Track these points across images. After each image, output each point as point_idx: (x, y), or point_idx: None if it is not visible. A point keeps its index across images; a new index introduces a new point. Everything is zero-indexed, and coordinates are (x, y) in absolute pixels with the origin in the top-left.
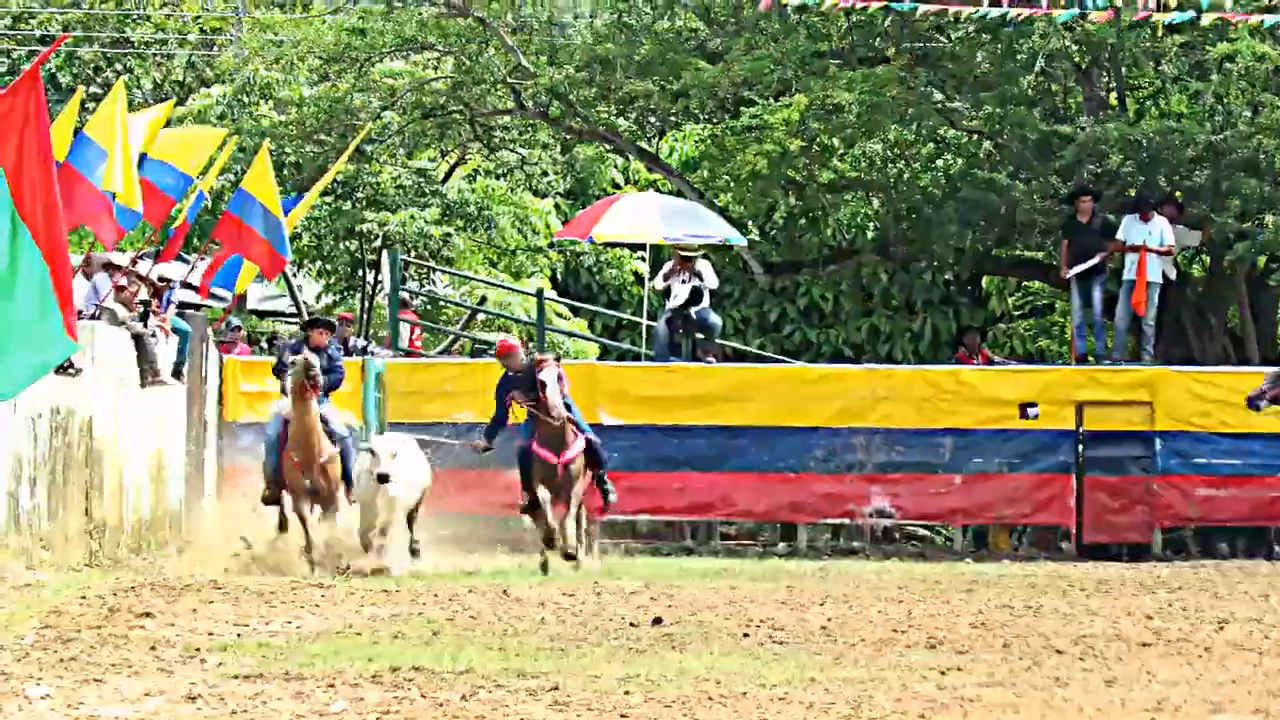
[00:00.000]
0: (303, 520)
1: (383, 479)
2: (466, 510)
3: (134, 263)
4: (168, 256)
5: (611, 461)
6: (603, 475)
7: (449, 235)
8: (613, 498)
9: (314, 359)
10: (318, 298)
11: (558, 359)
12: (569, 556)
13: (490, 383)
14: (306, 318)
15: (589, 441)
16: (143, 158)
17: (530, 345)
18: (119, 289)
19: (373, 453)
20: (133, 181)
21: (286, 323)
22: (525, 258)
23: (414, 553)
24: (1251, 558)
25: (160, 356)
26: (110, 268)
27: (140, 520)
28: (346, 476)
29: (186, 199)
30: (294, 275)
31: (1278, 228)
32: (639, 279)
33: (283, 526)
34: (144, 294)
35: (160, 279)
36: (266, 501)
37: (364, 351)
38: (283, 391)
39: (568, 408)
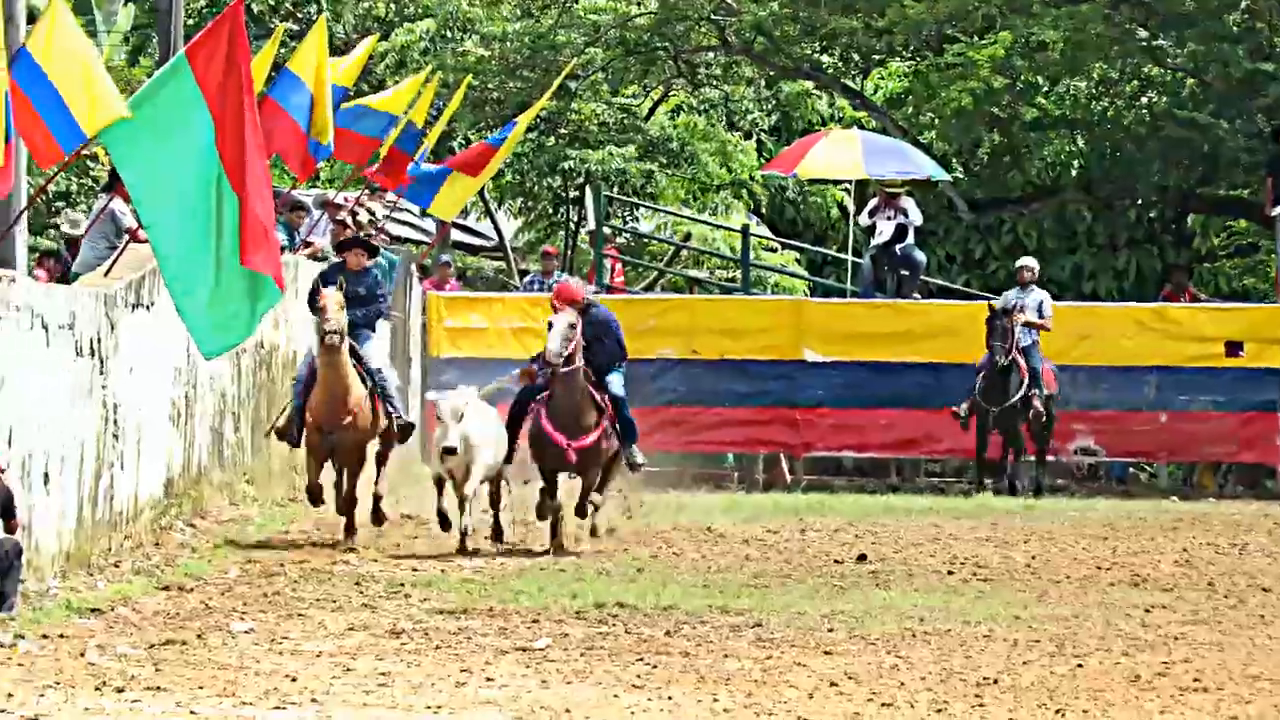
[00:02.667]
0: (313, 491)
1: (448, 452)
2: (666, 449)
3: (357, 203)
4: (390, 185)
5: (816, 397)
6: (631, 450)
7: (650, 172)
8: (639, 460)
9: (334, 313)
10: (517, 234)
11: (588, 306)
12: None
13: (696, 319)
14: (293, 201)
15: (618, 416)
16: (342, 105)
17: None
18: (339, 225)
19: (439, 418)
20: (326, 119)
21: (491, 258)
22: (728, 194)
23: (497, 535)
24: None
25: None
26: (329, 206)
27: None
28: (390, 415)
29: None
30: (496, 210)
31: None
32: (843, 210)
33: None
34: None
35: (374, 216)
36: (279, 435)
37: None
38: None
39: (601, 368)
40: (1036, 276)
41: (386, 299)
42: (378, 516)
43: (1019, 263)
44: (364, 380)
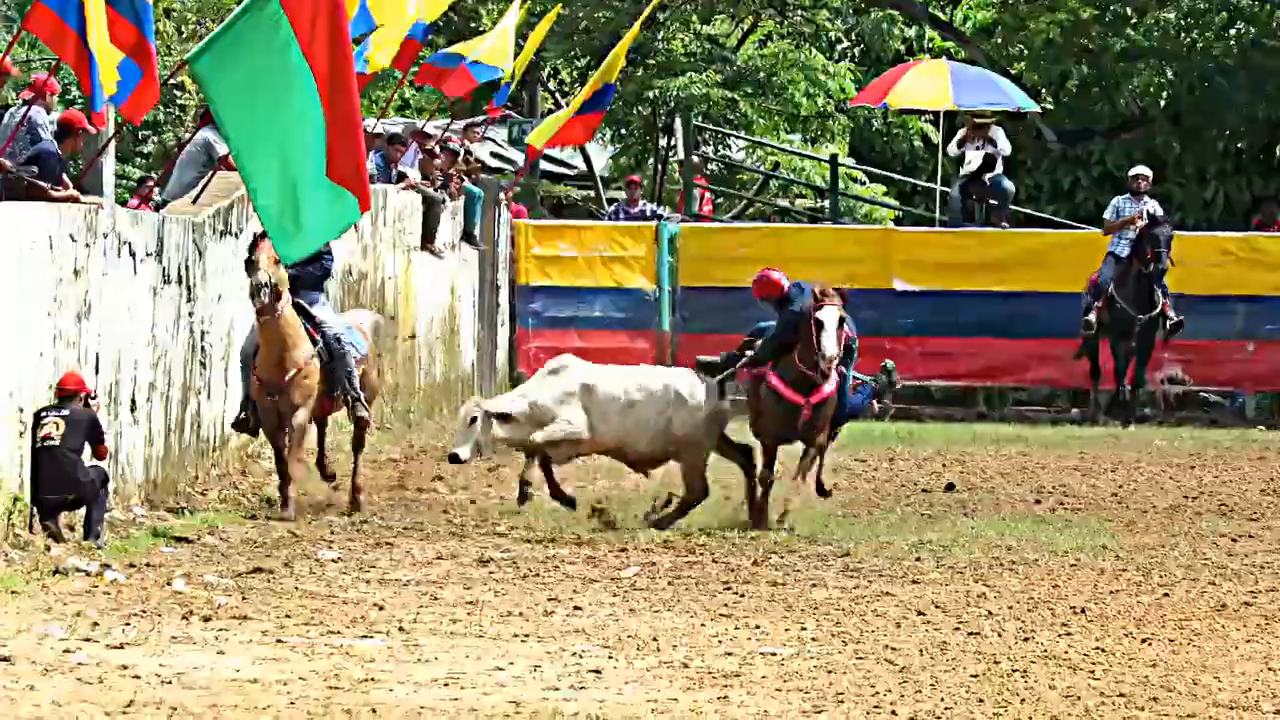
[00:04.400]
0: (277, 453)
1: (453, 460)
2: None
3: (444, 138)
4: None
5: (905, 326)
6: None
7: (734, 100)
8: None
9: (265, 266)
10: (611, 160)
11: (844, 299)
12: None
13: (784, 249)
14: (391, 135)
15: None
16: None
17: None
18: (429, 155)
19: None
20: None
21: (579, 187)
22: (818, 124)
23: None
24: None
25: (443, 226)
26: (418, 136)
27: (432, 384)
28: (340, 384)
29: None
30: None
31: None
32: (926, 142)
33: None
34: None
35: (476, 159)
36: (237, 427)
37: (655, 216)
38: None
39: (844, 359)
40: (1150, 185)
41: (332, 257)
42: (356, 502)
43: (1133, 171)
44: (314, 342)
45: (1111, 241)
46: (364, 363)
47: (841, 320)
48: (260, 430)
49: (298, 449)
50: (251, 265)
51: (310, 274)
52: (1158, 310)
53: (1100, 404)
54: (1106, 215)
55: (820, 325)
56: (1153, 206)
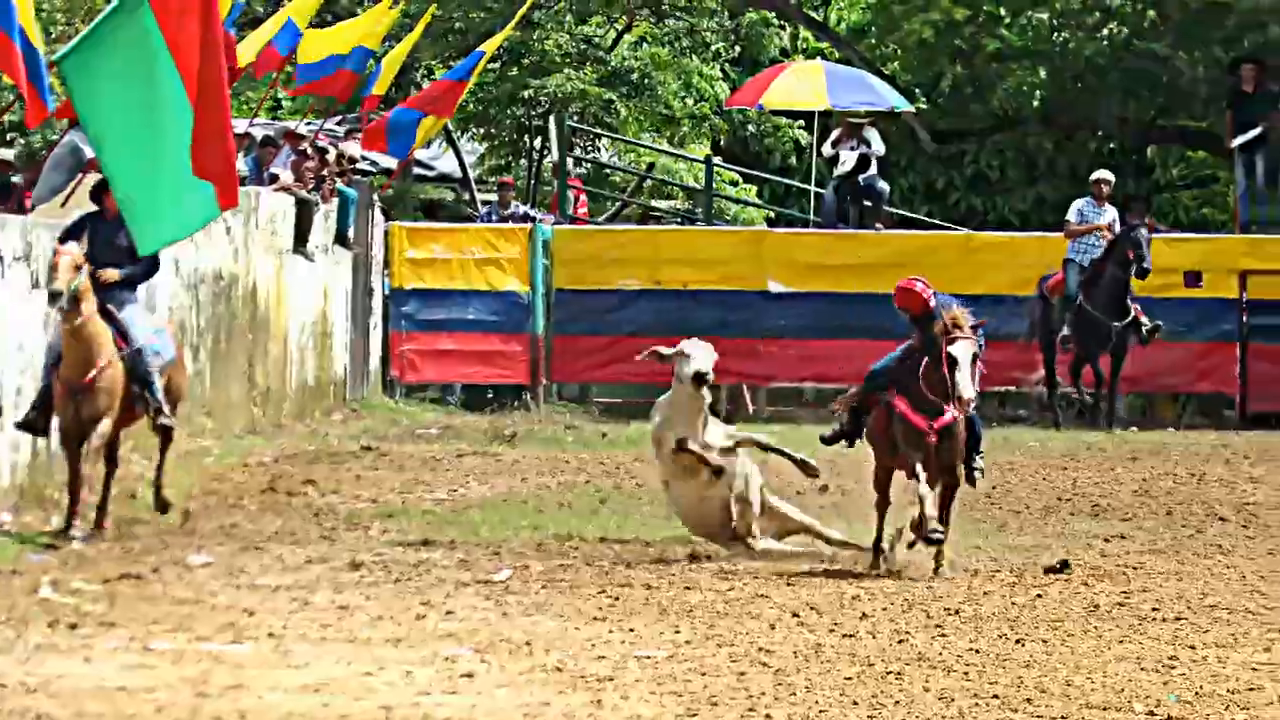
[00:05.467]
0: (70, 462)
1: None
2: (628, 379)
3: (315, 138)
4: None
5: (779, 328)
6: (974, 455)
7: (610, 100)
8: (979, 475)
9: (62, 272)
10: (480, 160)
11: (976, 328)
12: (931, 540)
13: (659, 250)
14: (264, 137)
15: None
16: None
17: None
18: (300, 155)
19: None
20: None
21: (451, 188)
22: (690, 125)
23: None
24: None
25: (316, 229)
26: (290, 137)
27: (304, 387)
28: (142, 393)
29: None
30: (459, 140)
31: None
32: (798, 145)
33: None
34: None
35: (348, 159)
36: (21, 427)
37: (528, 218)
38: None
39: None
40: (1112, 190)
41: (157, 260)
42: (161, 502)
43: (1096, 175)
44: (119, 349)
45: (1070, 249)
46: (170, 368)
47: (975, 356)
48: (47, 431)
49: (96, 460)
50: (50, 270)
51: (134, 274)
52: (1131, 317)
53: (1060, 409)
54: (1069, 218)
55: (954, 362)
56: (1113, 213)
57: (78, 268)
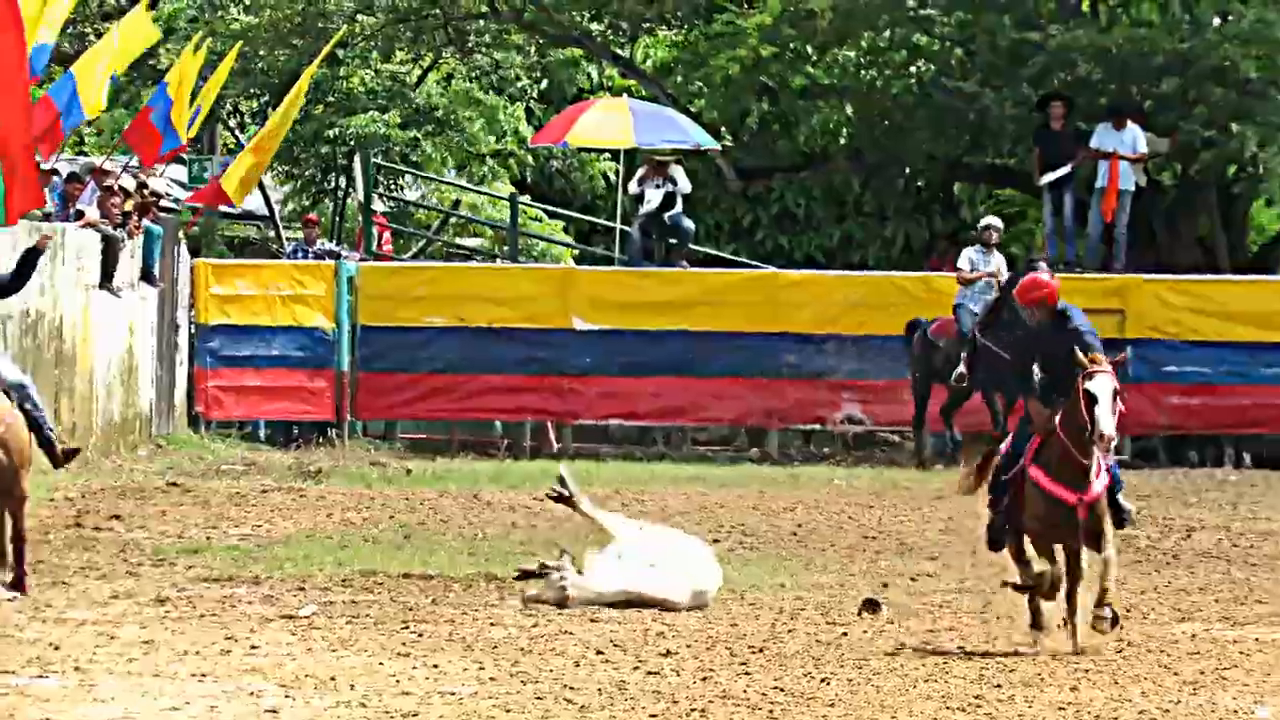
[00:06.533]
0: None
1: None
2: (434, 416)
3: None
4: (148, 159)
5: (584, 366)
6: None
7: (416, 139)
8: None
9: None
10: (285, 201)
11: (1116, 363)
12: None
13: (464, 288)
14: (70, 173)
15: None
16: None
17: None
18: (106, 191)
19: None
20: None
21: (257, 225)
22: (495, 162)
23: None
24: (1220, 466)
25: (122, 265)
26: (96, 174)
27: (110, 422)
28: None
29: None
30: (265, 177)
31: (1244, 137)
32: (607, 181)
33: None
34: (129, 205)
35: (152, 193)
36: None
37: (334, 255)
38: None
39: None
40: (1001, 238)
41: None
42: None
43: (985, 222)
44: (7, 394)
45: (960, 294)
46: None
47: (1116, 392)
48: None
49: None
50: None
51: None
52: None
53: (926, 446)
54: (961, 265)
55: (1093, 399)
56: (1001, 259)
57: None
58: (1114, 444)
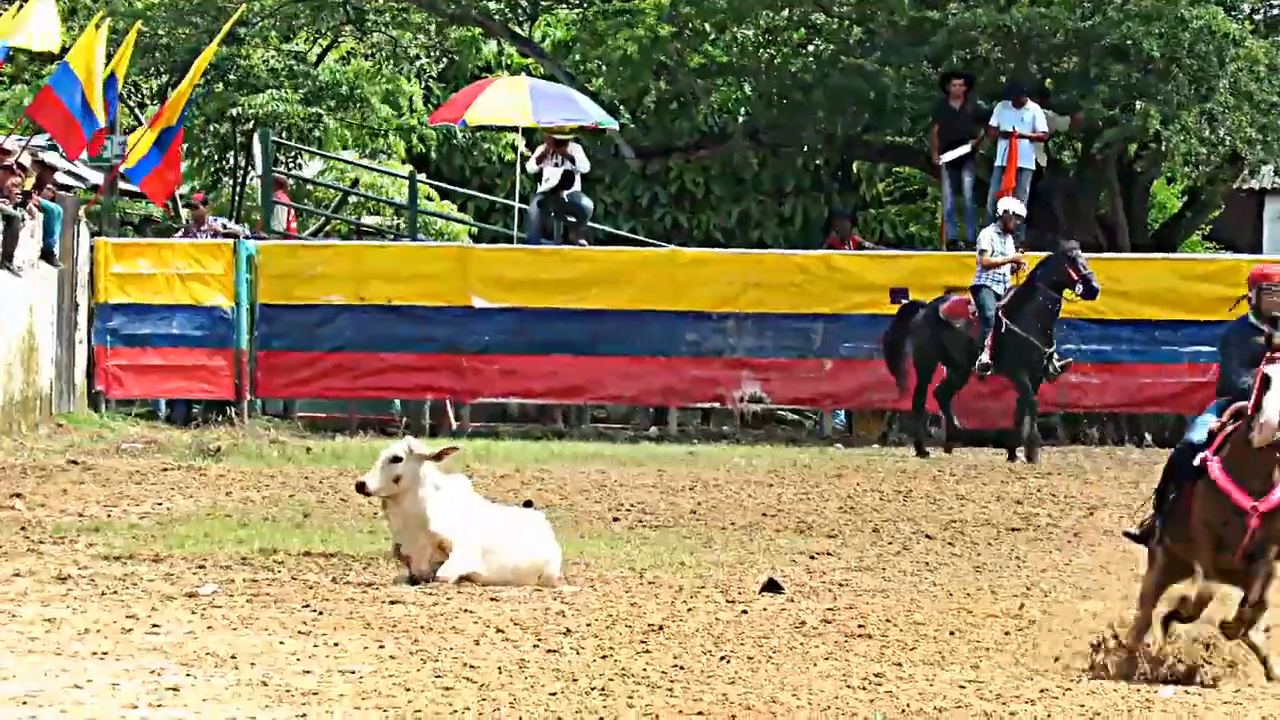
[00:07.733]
0: None
1: (359, 489)
2: (332, 395)
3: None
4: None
5: (483, 344)
6: None
7: (319, 115)
8: None
9: None
10: (186, 178)
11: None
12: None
13: (363, 266)
14: None
15: None
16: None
17: None
18: (4, 170)
19: None
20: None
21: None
22: (394, 139)
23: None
24: (1121, 444)
25: (22, 244)
26: None
27: (10, 401)
28: None
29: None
30: None
31: (1146, 115)
32: (518, 154)
33: None
34: (29, 184)
35: (46, 165)
36: None
37: (229, 234)
38: None
39: None
40: (1021, 223)
41: None
42: None
43: (1006, 207)
44: None
45: (979, 275)
46: None
47: None
48: None
49: None
50: None
51: None
52: (1054, 347)
53: (926, 429)
54: (983, 247)
55: (1267, 382)
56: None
57: None
58: (1275, 434)
